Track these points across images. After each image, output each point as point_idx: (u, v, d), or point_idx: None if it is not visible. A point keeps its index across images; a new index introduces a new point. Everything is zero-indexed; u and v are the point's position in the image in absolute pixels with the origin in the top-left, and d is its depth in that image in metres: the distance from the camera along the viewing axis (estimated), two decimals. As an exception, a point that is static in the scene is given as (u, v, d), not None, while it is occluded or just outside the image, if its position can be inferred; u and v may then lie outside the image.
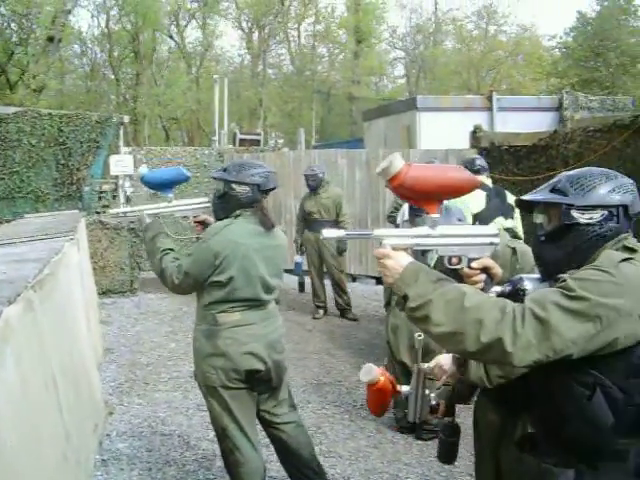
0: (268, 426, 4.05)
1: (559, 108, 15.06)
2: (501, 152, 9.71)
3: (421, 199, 2.11)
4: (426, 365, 2.68)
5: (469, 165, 6.09)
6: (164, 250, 3.97)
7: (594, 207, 2.06)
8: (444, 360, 2.65)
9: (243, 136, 17.28)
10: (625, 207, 2.07)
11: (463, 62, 37.25)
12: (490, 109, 14.64)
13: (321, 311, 9.46)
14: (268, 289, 3.88)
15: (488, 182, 5.97)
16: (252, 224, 3.82)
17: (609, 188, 2.07)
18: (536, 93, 31.59)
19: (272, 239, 3.91)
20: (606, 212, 2.06)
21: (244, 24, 39.77)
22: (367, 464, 4.86)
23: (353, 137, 27.77)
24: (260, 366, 3.82)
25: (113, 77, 36.32)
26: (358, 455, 5.01)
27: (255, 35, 39.70)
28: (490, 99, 14.81)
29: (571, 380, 1.92)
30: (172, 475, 4.68)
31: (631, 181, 2.15)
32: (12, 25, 24.90)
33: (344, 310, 9.38)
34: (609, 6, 36.04)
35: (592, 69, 35.09)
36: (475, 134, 10.74)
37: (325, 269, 9.40)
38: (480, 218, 5.11)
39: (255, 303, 3.84)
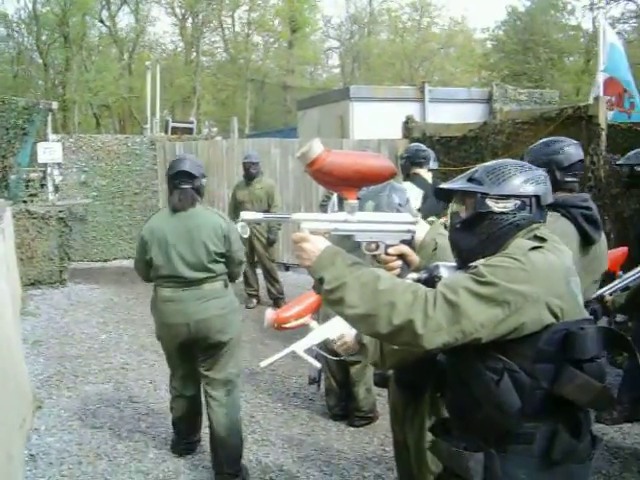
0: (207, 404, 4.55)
1: (489, 100, 15.30)
2: (432, 143, 9.83)
3: (339, 185, 2.13)
4: (332, 339, 2.75)
5: (413, 154, 6.04)
6: None
7: (508, 197, 2.12)
8: (348, 338, 2.71)
9: (175, 124, 17.05)
10: (537, 198, 2.14)
11: (397, 53, 37.53)
12: (422, 100, 14.76)
13: (254, 300, 9.46)
14: (193, 266, 4.36)
15: (428, 177, 5.96)
16: (168, 209, 4.48)
17: (523, 179, 2.13)
18: (468, 85, 32.07)
19: (190, 219, 4.38)
20: (519, 202, 2.12)
21: (177, 10, 39.21)
22: (300, 451, 4.90)
23: (287, 126, 27.71)
24: (182, 339, 4.43)
25: (41, 62, 35.33)
26: (291, 443, 5.05)
27: (189, 22, 39.18)
28: (422, 90, 14.94)
29: (481, 365, 1.97)
30: (103, 469, 4.62)
31: (544, 173, 2.22)
32: None
33: (277, 299, 9.39)
34: (539, 2, 36.84)
35: (522, 62, 35.85)
36: (407, 125, 10.87)
37: (257, 258, 9.40)
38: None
39: (180, 280, 4.37)
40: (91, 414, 5.58)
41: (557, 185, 3.36)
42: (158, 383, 6.24)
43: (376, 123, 13.09)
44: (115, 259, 13.20)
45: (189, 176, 4.41)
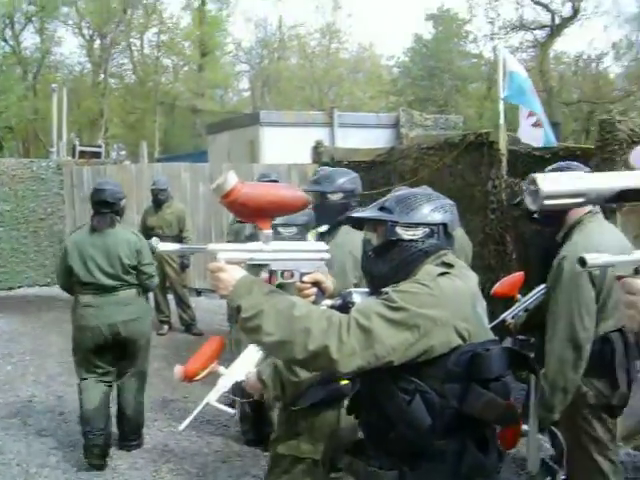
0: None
1: (396, 125, 15.70)
2: (341, 167, 9.98)
3: (254, 215, 2.18)
4: (240, 380, 2.89)
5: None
6: None
7: (417, 225, 2.21)
8: (251, 376, 2.82)
9: (83, 148, 16.72)
10: (445, 225, 2.24)
11: (306, 78, 37.98)
12: (331, 125, 15.03)
13: (165, 327, 9.34)
14: (109, 276, 5.07)
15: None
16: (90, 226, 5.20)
17: (431, 208, 2.24)
18: (376, 110, 32.75)
19: (109, 237, 5.13)
20: (428, 229, 2.22)
21: (85, 31, 38.54)
22: (216, 479, 4.87)
23: (197, 150, 27.60)
24: (99, 340, 5.08)
25: (-61, 81, 34.05)
26: (206, 470, 5.01)
27: (97, 43, 38.56)
28: (331, 115, 15.22)
29: (394, 387, 2.05)
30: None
31: (451, 202, 2.33)
32: None
33: (189, 325, 9.31)
34: (443, 30, 38.12)
35: (428, 88, 36.94)
36: (316, 149, 11.01)
37: (168, 284, 9.30)
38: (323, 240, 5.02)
39: (98, 287, 5.06)
40: (-5, 450, 5.38)
41: None
42: (68, 415, 6.08)
43: (286, 148, 13.22)
44: (20, 287, 12.77)
45: (107, 204, 5.15)
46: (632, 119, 6.47)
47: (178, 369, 3.11)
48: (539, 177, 0.61)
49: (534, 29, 32.42)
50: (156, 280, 5.50)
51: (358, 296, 2.25)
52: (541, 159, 8.03)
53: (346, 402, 2.81)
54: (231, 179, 2.05)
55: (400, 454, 2.10)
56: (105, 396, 5.22)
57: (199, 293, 11.70)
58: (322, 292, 2.34)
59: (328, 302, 2.29)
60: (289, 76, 39.15)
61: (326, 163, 10.34)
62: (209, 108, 35.80)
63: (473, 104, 35.17)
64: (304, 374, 2.71)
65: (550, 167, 3.64)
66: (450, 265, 2.15)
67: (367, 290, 2.30)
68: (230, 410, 3.25)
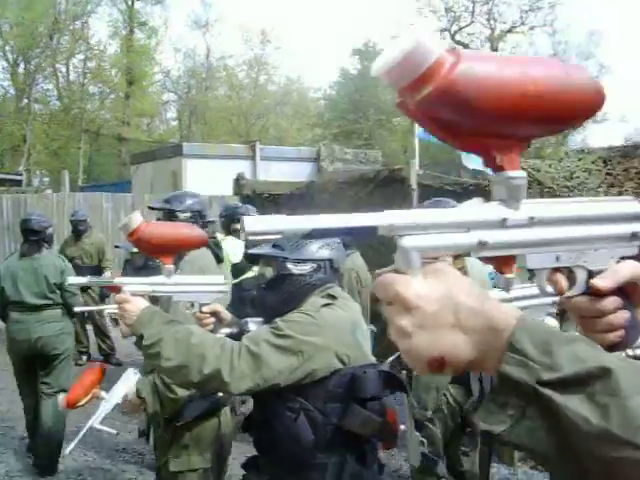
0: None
1: (317, 159, 16.06)
2: (262, 199, 10.27)
3: (157, 252, 2.41)
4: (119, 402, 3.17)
5: (231, 212, 6.41)
6: None
7: (305, 260, 2.48)
8: (131, 396, 3.07)
9: (3, 176, 16.52)
10: (331, 261, 2.51)
11: (233, 109, 38.24)
12: (253, 158, 15.29)
13: (84, 357, 9.32)
14: (36, 295, 5.62)
15: None
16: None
17: (319, 245, 2.51)
18: (302, 142, 33.23)
19: (37, 261, 5.69)
20: (315, 265, 2.48)
21: (9, 55, 37.95)
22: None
23: (121, 179, 27.44)
24: (25, 353, 5.62)
25: None
26: (121, 499, 5.11)
27: (21, 67, 37.99)
28: (253, 148, 15.47)
29: (281, 406, 2.29)
30: None
31: (337, 240, 2.60)
32: None
33: (108, 355, 9.32)
34: (369, 64, 38.96)
35: (353, 122, 37.69)
36: (238, 182, 11.29)
37: (87, 314, 9.30)
38: (237, 268, 5.17)
39: (25, 305, 5.61)
40: None
41: None
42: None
43: (209, 180, 13.38)
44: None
45: (34, 232, 5.72)
46: (526, 161, 6.95)
47: (61, 398, 3.32)
48: (247, 218, 0.79)
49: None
50: (79, 298, 6.13)
51: (253, 324, 2.50)
52: (453, 193, 8.48)
53: (225, 410, 3.11)
54: (136, 219, 2.28)
55: (288, 467, 2.34)
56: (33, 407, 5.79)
57: (117, 322, 11.66)
58: (220, 321, 2.58)
59: (225, 330, 2.52)
60: (216, 107, 39.33)
61: (247, 195, 10.61)
62: (135, 137, 35.63)
63: (398, 138, 36.03)
64: (181, 392, 2.95)
65: (427, 202, 4.09)
66: (334, 297, 2.41)
67: (261, 320, 2.54)
68: (112, 430, 3.56)
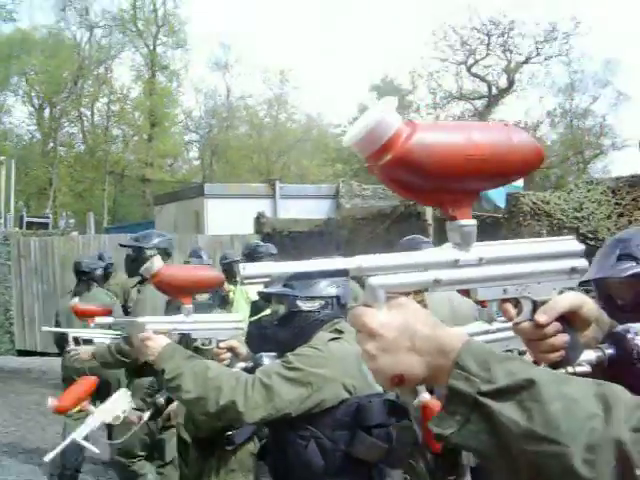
0: None
1: (336, 196, 16.27)
2: (282, 237, 10.49)
3: (177, 292, 2.62)
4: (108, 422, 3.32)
5: (252, 251, 6.66)
6: None
7: (314, 298, 2.66)
8: (132, 415, 3.24)
9: (30, 219, 16.91)
10: (338, 298, 2.70)
11: (254, 147, 38.73)
12: (273, 196, 15.53)
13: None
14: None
15: None
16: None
17: (326, 283, 2.69)
18: (323, 178, 33.56)
19: (87, 299, 5.87)
20: (323, 302, 2.67)
21: (35, 100, 38.89)
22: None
23: (146, 219, 27.84)
24: None
25: None
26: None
27: (46, 112, 38.89)
28: (273, 187, 15.71)
29: (293, 434, 2.46)
30: None
31: (344, 279, 2.79)
32: None
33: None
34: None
35: (373, 157, 37.91)
36: (259, 220, 11.53)
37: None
38: (256, 306, 5.22)
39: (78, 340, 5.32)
40: None
41: None
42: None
43: (230, 219, 13.64)
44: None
45: (84, 273, 6.34)
46: (535, 194, 7.11)
47: (51, 401, 3.47)
48: (242, 265, 0.97)
49: (472, 99, 33.91)
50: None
51: (267, 359, 2.68)
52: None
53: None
54: (156, 263, 2.50)
55: None
56: None
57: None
58: (236, 356, 2.77)
59: (241, 365, 2.71)
60: (237, 145, 39.85)
61: (267, 233, 10.85)
62: (158, 177, 36.16)
63: (417, 172, 36.14)
64: None
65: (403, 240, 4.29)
66: (341, 331, 2.59)
67: (275, 354, 2.73)
68: (95, 449, 3.49)
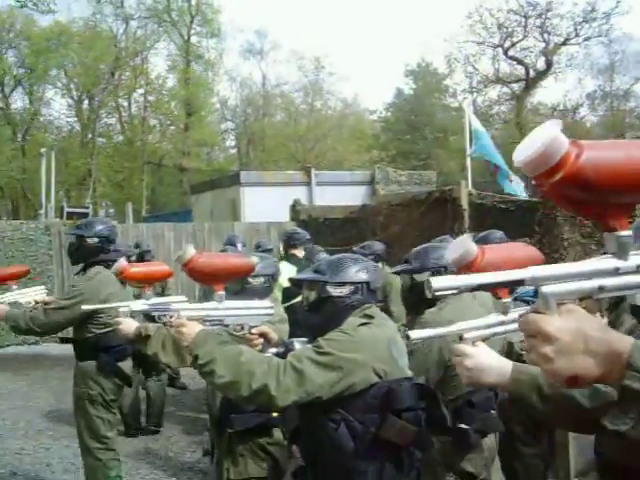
0: None
1: (372, 182, 16.23)
2: (318, 224, 10.53)
3: (209, 280, 2.68)
4: None
5: (289, 237, 6.72)
6: None
7: (344, 284, 2.70)
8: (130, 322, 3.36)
9: (71, 209, 17.22)
10: (368, 283, 2.73)
11: (290, 135, 38.78)
12: (309, 184, 15.54)
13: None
14: None
15: (302, 255, 6.59)
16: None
17: (356, 269, 2.73)
18: (359, 165, 33.48)
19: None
20: (353, 287, 2.70)
21: (74, 92, 39.44)
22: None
23: (183, 208, 28.11)
24: None
25: None
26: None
27: (85, 104, 39.41)
28: (309, 174, 15.72)
29: (324, 417, 2.51)
30: None
31: (374, 264, 2.84)
32: None
33: (173, 379, 9.63)
34: (423, 85, 39.18)
35: (409, 142, 37.78)
36: (294, 208, 11.58)
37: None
38: (289, 292, 5.30)
39: None
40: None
41: None
42: (54, 465, 6.41)
43: (266, 206, 13.70)
44: (9, 345, 13.08)
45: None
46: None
47: (121, 262, 3.82)
48: (431, 279, 1.12)
49: (510, 82, 33.47)
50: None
51: (298, 344, 2.73)
52: (506, 211, 8.58)
53: (275, 431, 3.36)
54: (189, 251, 2.55)
55: (331, 475, 2.55)
56: None
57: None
58: (268, 342, 2.82)
59: (273, 350, 2.76)
60: (273, 133, 39.96)
61: (303, 220, 10.89)
62: (195, 166, 36.47)
63: (455, 156, 35.94)
64: None
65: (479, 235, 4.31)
66: (371, 317, 2.63)
67: (306, 339, 2.77)
68: None
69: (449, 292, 1.16)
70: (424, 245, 3.68)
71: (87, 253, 4.77)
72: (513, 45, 31.76)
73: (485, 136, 11.54)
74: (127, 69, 38.22)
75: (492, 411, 3.42)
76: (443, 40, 43.93)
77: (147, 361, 6.24)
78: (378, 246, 6.75)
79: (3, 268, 5.63)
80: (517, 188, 10.77)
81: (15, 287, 5.03)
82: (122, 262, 3.63)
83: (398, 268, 3.60)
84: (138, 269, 3.73)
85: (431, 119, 37.98)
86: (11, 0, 20.51)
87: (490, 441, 3.49)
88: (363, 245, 6.65)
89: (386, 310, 6.76)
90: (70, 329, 4.96)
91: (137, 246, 9.68)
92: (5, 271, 5.34)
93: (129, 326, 3.21)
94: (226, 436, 3.50)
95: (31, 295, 4.98)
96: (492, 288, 1.23)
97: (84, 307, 4.02)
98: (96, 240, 4.72)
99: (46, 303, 4.80)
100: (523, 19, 30.87)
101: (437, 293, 1.15)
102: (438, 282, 1.14)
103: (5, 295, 4.98)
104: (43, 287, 5.20)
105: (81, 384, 4.81)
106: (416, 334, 2.01)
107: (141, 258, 9.54)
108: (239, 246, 7.30)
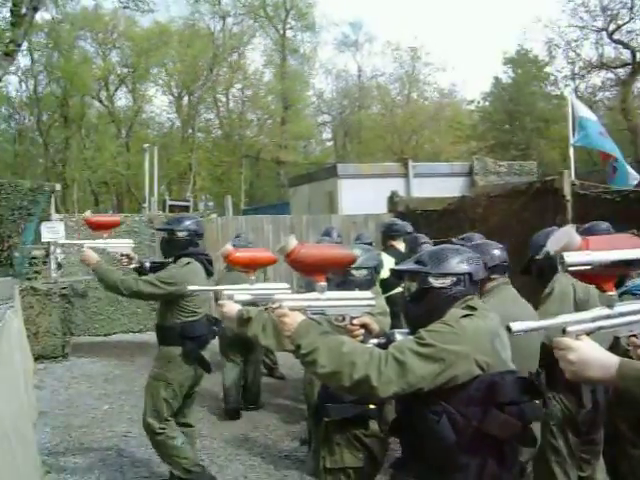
0: None
1: (470, 173, 15.96)
2: (415, 216, 10.44)
3: (311, 271, 2.69)
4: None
5: (387, 229, 6.71)
6: None
7: (445, 275, 2.67)
8: (232, 306, 3.38)
9: (172, 202, 17.71)
10: (470, 275, 2.69)
11: (387, 127, 38.61)
12: (406, 175, 15.41)
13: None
14: None
15: (401, 247, 6.56)
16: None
17: (458, 260, 2.69)
18: (456, 156, 33.01)
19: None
20: (455, 279, 2.67)
21: (174, 89, 40.54)
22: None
23: (281, 201, 28.42)
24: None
25: (41, 141, 36.39)
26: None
27: (185, 100, 40.43)
28: (406, 166, 15.59)
29: (425, 409, 2.48)
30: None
31: (477, 255, 2.78)
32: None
33: (271, 369, 9.77)
34: (522, 73, 38.17)
35: (508, 132, 36.92)
36: (392, 199, 11.53)
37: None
38: (387, 284, 5.30)
39: None
40: (96, 478, 5.94)
41: None
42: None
43: (363, 198, 13.70)
44: (115, 333, 13.58)
45: None
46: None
47: (228, 247, 3.87)
48: (567, 254, 1.08)
49: (615, 67, 32.18)
50: None
51: (399, 335, 2.71)
52: (612, 202, 8.27)
53: (371, 423, 3.40)
54: (291, 243, 2.58)
55: (432, 467, 2.53)
56: None
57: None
58: (369, 333, 2.81)
59: (374, 341, 2.76)
60: (370, 125, 39.92)
61: (401, 212, 10.83)
62: (292, 159, 36.86)
63: (557, 145, 34.88)
64: None
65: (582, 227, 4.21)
66: (473, 308, 2.58)
67: (407, 331, 2.75)
68: None
69: (582, 267, 1.12)
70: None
71: (177, 246, 5.11)
72: (618, 28, 30.42)
73: (593, 124, 11.09)
74: (225, 65, 38.98)
75: None
76: (543, 26, 42.53)
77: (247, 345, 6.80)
78: (478, 238, 6.63)
79: (96, 215, 5.98)
80: (628, 177, 10.30)
81: (106, 236, 5.46)
82: (228, 246, 3.74)
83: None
84: (243, 254, 3.82)
85: (531, 108, 36.95)
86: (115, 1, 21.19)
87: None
88: (463, 237, 6.56)
89: None
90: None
91: (237, 237, 9.85)
92: (98, 219, 5.75)
93: (231, 309, 3.29)
94: (323, 425, 3.54)
95: (119, 247, 5.42)
96: (625, 265, 1.17)
97: (190, 287, 4.19)
98: (185, 234, 5.08)
99: (140, 273, 5.25)
100: (629, 0, 29.54)
101: (570, 269, 1.10)
102: (571, 257, 1.09)
103: (97, 241, 5.41)
104: (131, 241, 5.59)
105: (162, 367, 5.15)
106: (517, 326, 1.95)
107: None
108: (334, 235, 7.32)
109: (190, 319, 5.06)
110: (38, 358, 10.76)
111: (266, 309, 3.15)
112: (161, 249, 5.32)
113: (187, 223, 5.14)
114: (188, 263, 5.03)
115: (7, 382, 4.82)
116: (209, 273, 5.18)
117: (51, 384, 9.49)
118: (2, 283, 9.36)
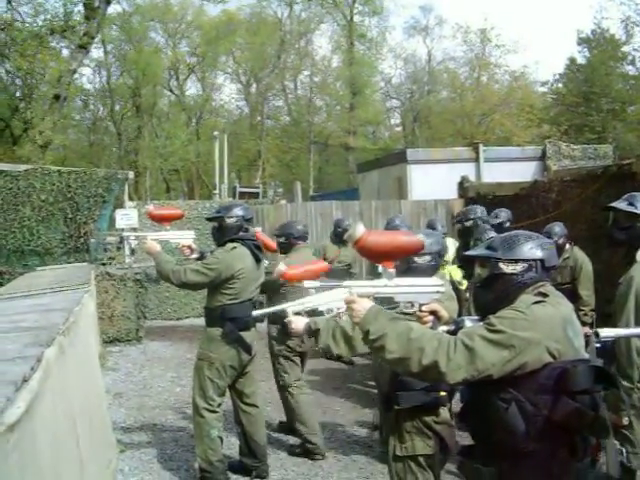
0: None
1: (543, 158, 15.58)
2: (486, 201, 10.27)
3: (379, 257, 2.69)
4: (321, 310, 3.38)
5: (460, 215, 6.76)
6: None
7: (517, 261, 2.63)
8: (299, 322, 3.51)
9: (242, 189, 17.92)
10: (542, 261, 2.64)
11: (456, 111, 38.08)
12: (477, 160, 15.15)
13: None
14: None
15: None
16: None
17: (530, 246, 2.65)
18: (528, 139, 32.30)
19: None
20: (526, 265, 2.62)
21: (242, 77, 40.92)
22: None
23: (350, 187, 28.37)
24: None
25: (115, 131, 37.29)
26: (353, 485, 5.48)
27: (253, 88, 40.77)
28: (477, 151, 15.31)
29: (494, 397, 2.45)
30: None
31: (550, 241, 2.73)
32: (16, 81, 25.62)
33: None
34: (598, 53, 37.02)
35: (583, 115, 35.90)
36: (462, 185, 11.38)
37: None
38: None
39: None
40: (168, 457, 6.09)
41: None
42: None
43: (432, 184, 13.56)
44: (187, 317, 13.87)
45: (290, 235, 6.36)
46: None
47: (282, 266, 4.12)
48: None
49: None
50: None
51: (469, 322, 2.69)
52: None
53: (441, 410, 3.40)
54: (359, 229, 2.58)
55: (500, 455, 2.49)
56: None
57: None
58: (438, 319, 2.79)
59: (443, 327, 2.74)
60: (439, 110, 39.45)
61: (472, 198, 10.67)
62: (361, 145, 36.77)
63: (634, 128, 33.76)
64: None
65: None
66: (545, 295, 2.53)
67: (477, 317, 2.72)
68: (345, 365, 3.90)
69: None
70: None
71: (227, 232, 5.28)
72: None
73: None
74: (292, 52, 39.11)
75: None
76: (620, 3, 41.10)
77: None
78: (559, 228, 6.66)
79: (159, 208, 6.32)
80: None
81: (169, 228, 5.69)
82: (281, 267, 4.05)
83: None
84: (295, 271, 4.00)
85: (607, 89, 35.82)
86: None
87: None
88: (546, 231, 6.52)
89: (574, 293, 6.58)
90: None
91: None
92: (162, 211, 6.02)
93: (299, 324, 3.39)
94: (393, 413, 3.54)
95: (180, 238, 5.62)
96: None
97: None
98: (234, 220, 5.26)
99: (199, 258, 5.46)
100: None
101: None
102: None
103: (160, 232, 5.67)
104: (192, 232, 5.79)
105: (206, 347, 5.36)
106: (606, 332, 1.91)
107: (340, 236, 9.64)
108: (397, 222, 7.18)
109: (232, 302, 5.21)
110: (113, 341, 11.09)
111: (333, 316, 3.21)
112: (213, 237, 5.48)
113: (235, 209, 5.33)
114: (234, 248, 5.18)
115: (85, 363, 4.98)
116: (257, 259, 5.31)
117: (125, 366, 9.76)
118: (79, 268, 9.65)
